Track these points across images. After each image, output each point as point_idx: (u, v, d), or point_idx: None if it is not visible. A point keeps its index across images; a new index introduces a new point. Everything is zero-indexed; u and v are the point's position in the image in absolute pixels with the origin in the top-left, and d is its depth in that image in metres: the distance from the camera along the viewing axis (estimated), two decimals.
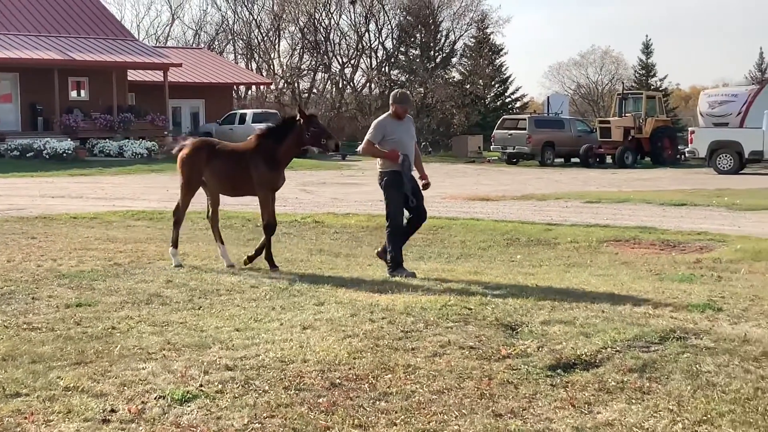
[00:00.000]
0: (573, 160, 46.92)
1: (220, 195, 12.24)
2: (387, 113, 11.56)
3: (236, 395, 6.16)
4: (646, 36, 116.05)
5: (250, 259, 11.85)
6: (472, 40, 73.69)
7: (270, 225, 11.66)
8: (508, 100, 76.41)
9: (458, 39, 72.64)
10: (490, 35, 74.13)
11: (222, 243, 12.10)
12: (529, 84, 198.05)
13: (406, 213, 11.41)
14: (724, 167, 36.96)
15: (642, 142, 45.72)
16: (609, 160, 45.38)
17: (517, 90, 77.66)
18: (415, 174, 11.53)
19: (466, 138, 58.15)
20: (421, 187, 11.53)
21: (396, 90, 12.07)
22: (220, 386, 6.33)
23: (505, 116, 54.03)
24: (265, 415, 5.79)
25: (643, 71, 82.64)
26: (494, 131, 48.63)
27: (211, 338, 7.65)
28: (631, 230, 16.67)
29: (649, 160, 46.33)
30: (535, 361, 7.01)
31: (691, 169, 40.56)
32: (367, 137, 11.49)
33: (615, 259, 13.45)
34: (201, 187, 12.13)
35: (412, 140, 11.56)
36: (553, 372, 6.77)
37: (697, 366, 6.85)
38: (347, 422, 5.70)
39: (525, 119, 48.59)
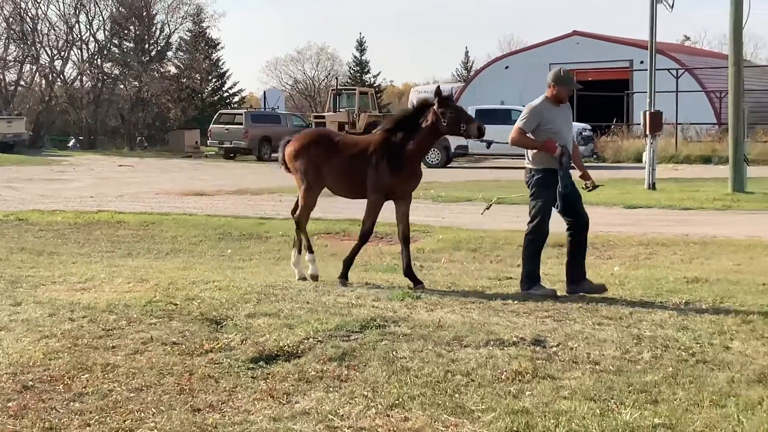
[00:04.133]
0: None
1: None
2: (542, 97, 9.82)
3: None
4: (360, 34, 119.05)
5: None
6: (188, 33, 72.80)
7: (367, 234, 10.40)
8: (225, 94, 76.13)
9: (173, 32, 71.50)
10: (206, 29, 73.53)
11: (299, 251, 10.73)
12: (247, 79, 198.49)
13: (552, 223, 9.79)
14: (432, 161, 38.39)
15: None
16: None
17: (234, 85, 77.55)
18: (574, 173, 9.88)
19: (182, 133, 57.43)
20: (584, 188, 9.92)
21: (557, 68, 10.08)
22: None
23: (221, 111, 53.85)
24: None
25: (358, 68, 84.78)
26: (211, 126, 48.35)
27: None
28: (342, 223, 17.03)
29: None
30: (237, 355, 7.04)
31: None
32: (518, 124, 9.73)
33: (324, 251, 13.70)
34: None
35: (570, 131, 9.92)
36: (255, 364, 6.82)
37: (394, 352, 7.10)
38: (38, 425, 5.51)
39: (242, 114, 48.65)
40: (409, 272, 10.18)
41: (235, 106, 71.02)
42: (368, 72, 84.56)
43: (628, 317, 8.39)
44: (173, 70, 71.64)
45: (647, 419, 5.55)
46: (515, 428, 5.46)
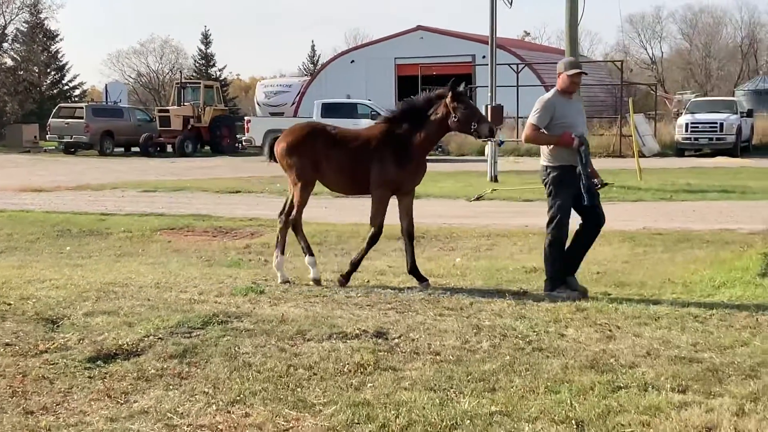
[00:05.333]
0: (133, 149, 46.41)
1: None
2: (553, 90, 9.33)
3: None
4: (205, 27, 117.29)
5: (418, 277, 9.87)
6: (25, 25, 70.36)
7: (376, 235, 9.83)
8: (65, 87, 73.85)
9: (9, 23, 69.01)
10: (44, 20, 71.22)
11: (282, 254, 10.25)
12: (89, 72, 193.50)
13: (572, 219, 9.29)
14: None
15: (201, 131, 46.15)
16: (169, 149, 45.38)
17: (75, 78, 75.27)
18: None
19: (20, 127, 55.37)
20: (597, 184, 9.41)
21: (565, 58, 9.36)
22: None
23: (61, 105, 52.32)
24: None
25: (203, 61, 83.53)
26: (50, 120, 46.87)
27: None
28: (186, 218, 16.79)
29: (209, 148, 46.91)
30: (74, 354, 6.85)
31: (249, 157, 41.58)
32: (530, 120, 9.22)
33: (167, 247, 13.48)
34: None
35: (584, 125, 9.48)
36: (93, 364, 6.66)
37: (236, 348, 7.05)
38: None
39: (82, 108, 47.34)
40: (413, 270, 9.81)
41: (76, 99, 68.98)
42: (214, 65, 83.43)
43: (469, 307, 8.56)
44: (9, 62, 69.11)
45: (485, 407, 5.67)
46: (356, 420, 5.49)
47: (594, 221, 9.29)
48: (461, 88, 9.62)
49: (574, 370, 6.43)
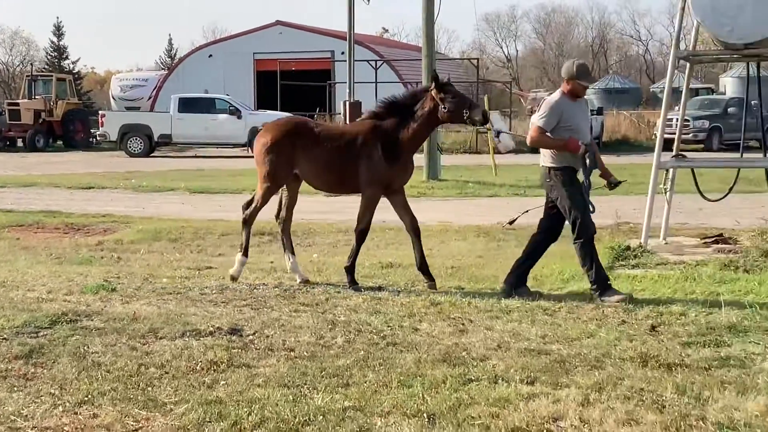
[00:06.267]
0: None
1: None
2: (559, 92, 8.99)
3: None
4: (58, 18, 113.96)
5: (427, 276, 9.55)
6: None
7: (364, 231, 9.51)
8: None
9: None
10: None
11: (293, 254, 9.90)
12: None
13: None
14: (135, 150, 37.51)
15: (54, 125, 44.83)
16: (20, 143, 43.97)
17: None
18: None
19: None
20: (607, 186, 9.24)
21: (572, 61, 9.19)
22: None
23: None
24: None
25: (56, 53, 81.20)
26: None
27: None
28: (36, 215, 16.31)
29: (61, 143, 45.63)
30: None
31: (104, 152, 40.63)
32: (537, 122, 8.87)
33: (15, 244, 13.05)
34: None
35: (588, 127, 9.16)
36: None
37: (85, 347, 6.88)
38: None
39: None
40: (423, 267, 9.54)
41: None
42: (67, 58, 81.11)
43: (324, 303, 8.57)
44: None
45: (338, 402, 5.67)
46: (207, 419, 5.42)
47: (557, 231, 9.21)
48: (445, 78, 9.32)
49: (426, 364, 6.50)
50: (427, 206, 18.57)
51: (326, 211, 17.33)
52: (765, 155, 14.18)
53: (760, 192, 14.11)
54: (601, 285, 8.74)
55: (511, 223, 10.35)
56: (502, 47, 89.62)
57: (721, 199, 12.26)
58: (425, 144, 24.74)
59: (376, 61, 45.51)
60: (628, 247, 11.31)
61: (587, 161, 8.77)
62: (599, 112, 39.66)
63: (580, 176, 8.92)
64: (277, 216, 10.02)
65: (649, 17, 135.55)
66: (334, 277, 10.08)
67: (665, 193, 12.15)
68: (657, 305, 8.36)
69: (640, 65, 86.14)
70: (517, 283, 9.06)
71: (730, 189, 12.56)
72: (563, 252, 11.76)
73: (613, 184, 9.22)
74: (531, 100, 54.89)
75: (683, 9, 11.63)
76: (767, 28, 10.86)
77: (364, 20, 59.50)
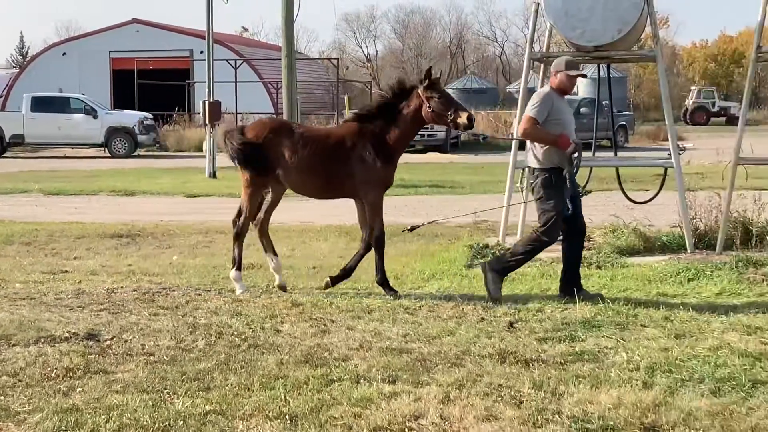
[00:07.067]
0: None
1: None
2: (547, 86, 8.89)
3: None
4: None
5: (334, 280, 9.20)
6: None
7: (381, 238, 9.02)
8: None
9: None
10: None
11: (275, 254, 9.39)
12: None
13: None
14: None
15: None
16: None
17: None
18: None
19: None
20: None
21: (565, 56, 9.07)
22: None
23: None
24: None
25: None
26: None
27: None
28: None
29: None
30: None
31: None
32: (529, 113, 8.63)
33: None
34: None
35: (573, 125, 8.89)
36: None
37: None
38: None
39: None
40: (345, 274, 9.26)
41: None
42: None
43: (185, 306, 8.45)
44: None
45: (199, 407, 5.60)
46: (63, 427, 5.28)
47: (579, 229, 9.00)
48: (436, 74, 9.02)
49: (289, 366, 6.48)
50: (287, 206, 18.44)
51: (185, 212, 17.13)
52: (615, 154, 14.69)
53: (611, 190, 14.56)
54: (500, 276, 8.80)
55: (411, 230, 10.29)
56: (361, 47, 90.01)
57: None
58: None
59: (235, 60, 45.18)
60: (486, 245, 11.51)
61: (575, 161, 8.63)
62: None
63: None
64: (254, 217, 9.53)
65: (505, 19, 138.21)
66: (194, 279, 9.95)
67: (522, 191, 12.42)
68: (515, 302, 8.55)
69: (497, 66, 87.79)
70: (575, 291, 8.71)
71: (583, 187, 12.92)
72: (424, 250, 11.94)
73: (582, 194, 9.29)
74: None
75: (537, 12, 11.96)
76: (616, 31, 11.25)
77: (224, 19, 59.06)
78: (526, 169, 12.24)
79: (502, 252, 8.81)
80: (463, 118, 8.72)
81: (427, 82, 8.81)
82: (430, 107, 8.76)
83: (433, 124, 9.65)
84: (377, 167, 8.94)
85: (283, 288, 9.24)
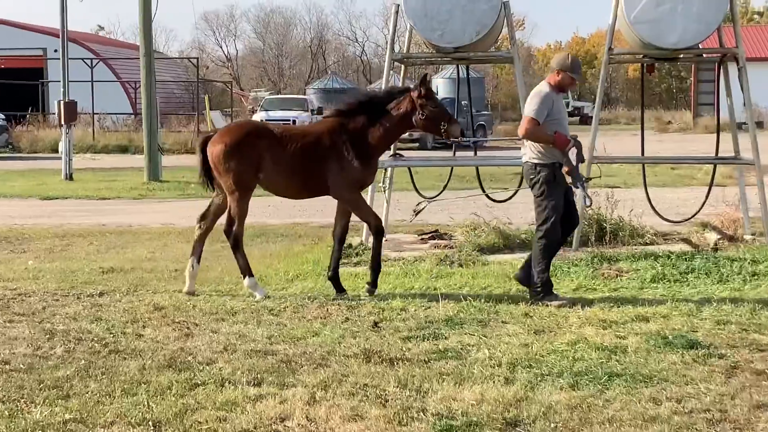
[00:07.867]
0: None
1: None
2: (545, 83, 8.70)
3: None
4: None
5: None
6: None
7: (379, 227, 8.97)
8: None
9: None
10: None
11: (198, 263, 9.12)
12: None
13: None
14: None
15: None
16: None
17: None
18: None
19: None
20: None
21: (566, 53, 8.95)
22: None
23: None
24: None
25: None
26: None
27: None
28: None
29: None
30: None
31: None
32: (529, 114, 8.54)
33: None
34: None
35: (567, 122, 8.95)
36: None
37: None
38: None
39: None
40: (335, 278, 9.06)
41: None
42: None
43: (42, 312, 8.23)
44: None
45: (58, 415, 5.46)
46: None
47: (571, 224, 9.07)
48: (432, 84, 9.03)
49: (151, 371, 6.37)
50: (148, 208, 18.26)
51: (40, 215, 16.67)
52: (475, 154, 14.93)
53: (471, 188, 14.80)
54: (546, 289, 8.61)
55: (416, 214, 11.14)
56: (221, 46, 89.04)
57: (436, 197, 12.76)
58: (145, 145, 24.27)
59: (91, 59, 44.11)
60: (350, 245, 11.54)
61: (576, 160, 8.73)
62: (319, 111, 40.33)
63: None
64: (203, 218, 9.26)
65: (365, 19, 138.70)
66: (52, 284, 9.68)
67: (384, 191, 12.53)
68: (379, 301, 8.60)
69: (358, 66, 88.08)
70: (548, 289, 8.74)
71: (444, 187, 13.14)
72: (287, 251, 11.91)
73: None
74: (252, 99, 55.16)
75: (397, 13, 12.07)
76: (474, 33, 11.48)
77: (79, 17, 57.62)
78: (388, 169, 12.43)
79: (530, 289, 8.89)
80: (456, 131, 8.88)
81: (423, 90, 8.78)
82: (423, 114, 8.75)
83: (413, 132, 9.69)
84: (354, 167, 8.82)
85: (191, 294, 8.98)
